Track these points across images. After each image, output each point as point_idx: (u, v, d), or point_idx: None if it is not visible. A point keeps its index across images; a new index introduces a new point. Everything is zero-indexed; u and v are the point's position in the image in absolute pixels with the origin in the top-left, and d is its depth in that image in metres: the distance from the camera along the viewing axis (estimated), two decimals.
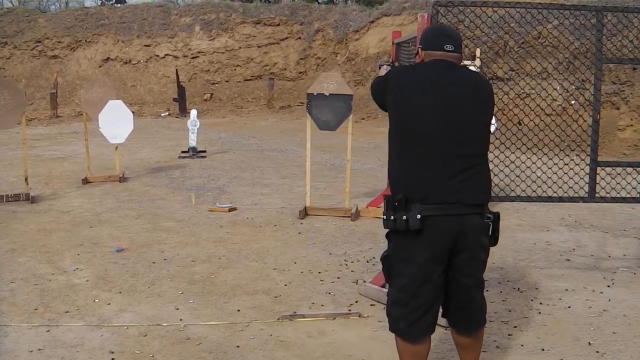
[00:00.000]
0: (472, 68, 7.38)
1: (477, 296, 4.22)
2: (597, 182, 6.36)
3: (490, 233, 4.14)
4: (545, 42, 16.16)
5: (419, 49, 4.34)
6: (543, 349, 5.33)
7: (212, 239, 8.21)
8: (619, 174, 6.63)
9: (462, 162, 4.03)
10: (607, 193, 6.57)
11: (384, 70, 4.97)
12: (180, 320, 5.75)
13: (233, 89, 27.04)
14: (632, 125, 15.68)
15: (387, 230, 4.12)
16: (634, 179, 6.61)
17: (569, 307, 6.26)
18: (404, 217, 3.94)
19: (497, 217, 4.19)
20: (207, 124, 21.07)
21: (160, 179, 12.13)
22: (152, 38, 28.18)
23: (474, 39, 16.94)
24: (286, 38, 28.17)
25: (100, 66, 27.71)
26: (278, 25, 28.32)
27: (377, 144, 15.97)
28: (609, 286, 6.79)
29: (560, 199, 6.50)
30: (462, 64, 4.30)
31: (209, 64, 27.75)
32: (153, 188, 11.36)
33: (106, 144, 12.32)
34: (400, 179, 4.09)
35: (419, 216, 3.92)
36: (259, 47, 28.02)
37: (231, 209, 9.64)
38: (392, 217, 3.98)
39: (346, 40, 27.05)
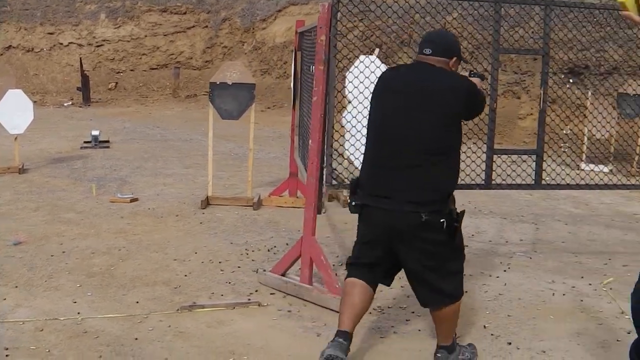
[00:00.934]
0: (369, 59, 7.45)
1: (430, 277, 4.54)
2: (494, 169, 6.49)
3: (444, 229, 4.39)
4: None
5: None
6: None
7: (113, 230, 8.10)
8: (514, 162, 6.78)
9: (403, 160, 4.37)
10: (503, 180, 6.70)
11: (477, 81, 5.02)
12: (78, 313, 5.65)
13: (138, 78, 26.66)
14: (532, 114, 15.99)
15: None
16: (529, 166, 6.76)
17: (466, 291, 6.35)
18: (352, 201, 4.58)
19: (457, 217, 4.48)
20: (111, 113, 20.77)
21: (62, 170, 11.89)
22: (56, 26, 27.58)
23: (378, 29, 17.08)
24: (193, 26, 27.89)
25: (1, 54, 27.02)
26: (185, 13, 28.01)
27: (282, 133, 15.95)
28: (505, 271, 6.96)
29: (459, 186, 6.59)
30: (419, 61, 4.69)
31: (114, 52, 27.30)
32: (53, 179, 11.14)
33: (5, 135, 12.01)
34: (362, 167, 4.65)
35: (353, 203, 4.54)
36: (165, 35, 27.68)
37: (133, 200, 9.53)
38: (348, 197, 4.74)
39: (253, 29, 26.92)
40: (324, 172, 6.09)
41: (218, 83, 9.36)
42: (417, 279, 4.62)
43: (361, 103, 7.13)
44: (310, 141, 5.99)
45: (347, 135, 7.26)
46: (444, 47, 4.62)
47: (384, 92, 4.64)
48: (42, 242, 7.65)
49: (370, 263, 4.70)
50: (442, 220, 4.37)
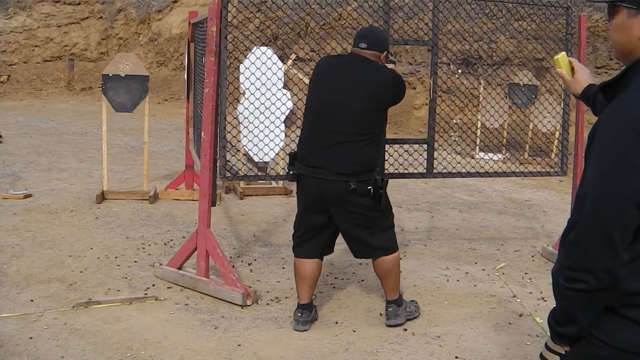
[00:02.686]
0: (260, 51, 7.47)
1: (362, 235, 5.32)
2: (386, 159, 6.59)
3: (371, 194, 5.13)
4: (345, 23, 16.50)
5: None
6: (337, 322, 5.55)
7: (5, 228, 7.91)
8: (406, 151, 6.90)
9: (335, 137, 5.08)
10: (396, 169, 6.82)
11: (392, 66, 5.63)
12: None
13: (32, 71, 26.07)
14: (427, 104, 16.13)
15: None
16: (421, 155, 6.89)
17: (363, 280, 6.50)
18: (289, 171, 5.28)
19: (381, 183, 5.20)
20: (3, 107, 20.22)
21: None
22: None
23: (275, 20, 17.11)
24: (87, 17, 27.41)
25: None
26: (79, 4, 27.50)
27: (179, 126, 15.81)
28: (401, 258, 7.03)
29: None
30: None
31: (6, 44, 26.63)
32: None
33: None
34: (299, 142, 5.30)
35: (291, 172, 5.25)
36: (58, 26, 27.14)
37: (26, 196, 9.32)
38: (287, 169, 5.31)
39: (149, 20, 26.61)
40: (218, 164, 6.09)
41: (111, 75, 9.23)
42: (350, 236, 5.37)
43: (253, 94, 7.15)
44: (202, 133, 5.98)
45: (241, 127, 7.26)
46: (377, 43, 5.31)
47: (322, 76, 5.28)
48: None
49: (313, 235, 5.40)
50: (369, 188, 5.10)
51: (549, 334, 2.43)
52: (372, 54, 5.24)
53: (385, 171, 6.63)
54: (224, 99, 6.11)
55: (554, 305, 2.39)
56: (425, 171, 6.88)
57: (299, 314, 5.40)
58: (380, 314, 5.67)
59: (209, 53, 5.91)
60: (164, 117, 17.55)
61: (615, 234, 2.17)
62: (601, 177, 2.20)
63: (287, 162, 5.37)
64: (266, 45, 8.38)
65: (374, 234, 5.34)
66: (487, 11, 7.59)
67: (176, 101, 20.81)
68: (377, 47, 5.27)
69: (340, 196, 5.10)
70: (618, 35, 2.39)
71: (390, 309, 5.49)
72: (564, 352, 2.38)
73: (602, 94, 2.48)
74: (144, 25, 26.67)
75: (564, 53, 2.95)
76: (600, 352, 2.31)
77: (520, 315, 5.84)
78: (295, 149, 5.37)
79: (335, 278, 6.53)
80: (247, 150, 7.51)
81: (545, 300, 6.09)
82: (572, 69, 2.93)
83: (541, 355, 2.45)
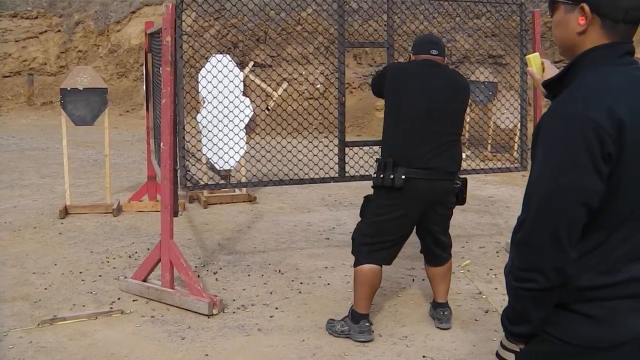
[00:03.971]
0: (216, 59, 7.46)
1: (443, 239, 5.54)
2: (346, 162, 6.60)
3: (457, 194, 5.37)
4: (303, 28, 16.52)
5: (410, 54, 5.51)
6: (303, 328, 5.54)
7: None
8: (366, 153, 6.92)
9: (442, 137, 5.19)
10: (357, 172, 6.82)
11: None
12: None
13: None
14: None
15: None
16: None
17: (329, 284, 6.51)
18: (391, 176, 5.09)
19: (464, 182, 5.43)
20: None
21: None
22: None
23: (234, 28, 17.11)
24: (45, 31, 27.22)
25: None
26: (36, 17, 27.31)
27: (141, 137, 15.66)
28: None
29: (312, 180, 6.71)
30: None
31: None
32: None
33: None
34: (393, 148, 5.25)
35: (394, 177, 5.08)
36: (16, 41, 26.92)
37: None
38: (381, 176, 5.14)
39: (107, 31, 26.47)
40: (178, 174, 6.07)
41: (69, 89, 9.18)
42: (434, 240, 5.53)
43: (210, 103, 7.15)
44: (162, 144, 5.96)
45: (201, 136, 7.24)
46: (443, 50, 5.46)
47: (410, 82, 5.28)
48: None
49: (397, 243, 5.37)
50: (459, 185, 5.38)
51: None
52: (442, 60, 5.40)
53: (346, 174, 6.66)
54: (181, 109, 6.09)
55: (506, 305, 2.42)
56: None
57: (368, 324, 5.37)
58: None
59: (164, 63, 5.89)
60: (126, 128, 17.48)
61: (563, 232, 2.19)
62: (548, 174, 2.22)
63: (378, 168, 5.24)
64: (223, 53, 8.36)
65: (447, 235, 5.61)
66: (442, 11, 7.60)
67: (138, 112, 20.71)
68: (444, 54, 5.43)
69: (447, 195, 5.30)
70: (558, 31, 2.42)
71: (446, 312, 5.62)
72: (518, 350, 2.40)
73: (546, 91, 2.50)
74: (103, 37, 26.54)
75: (537, 53, 3.01)
76: (554, 348, 2.33)
77: (487, 312, 5.88)
78: (383, 156, 5.33)
79: (301, 283, 6.53)
80: (208, 158, 7.49)
81: None
82: (543, 69, 2.97)
83: (497, 354, 2.47)
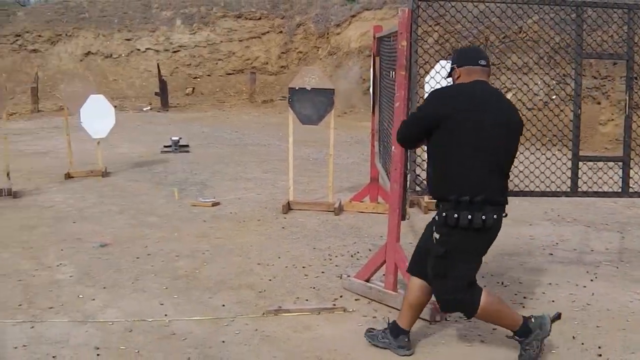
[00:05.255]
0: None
1: None
2: (579, 176, 6.39)
3: None
4: (526, 36, 16.18)
5: (454, 67, 4.98)
6: None
7: (196, 234, 8.21)
8: (600, 169, 6.67)
9: (502, 169, 4.79)
10: (589, 187, 6.58)
11: None
12: (165, 315, 5.75)
13: (215, 83, 26.95)
14: (613, 119, 15.71)
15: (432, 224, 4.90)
16: (616, 173, 6.63)
17: (553, 301, 6.30)
18: (482, 217, 4.60)
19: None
20: (189, 118, 21.03)
21: (143, 174, 12.10)
22: (133, 32, 28.05)
23: (454, 34, 16.98)
24: (267, 32, 28.10)
25: (81, 60, 27.53)
26: (259, 19, 28.25)
27: (360, 139, 15.99)
28: (592, 280, 6.83)
29: (543, 194, 6.51)
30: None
31: (191, 58, 27.65)
32: (135, 183, 11.33)
33: (87, 139, 12.23)
34: (462, 183, 4.65)
35: (495, 216, 4.65)
36: (240, 41, 27.95)
37: (214, 204, 9.64)
38: (455, 215, 4.60)
39: (327, 34, 27.00)
40: (408, 178, 6.05)
41: (297, 88, 9.41)
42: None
43: None
44: (392, 147, 5.96)
45: None
46: (489, 61, 4.97)
47: (471, 107, 4.72)
48: (127, 244, 7.79)
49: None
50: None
51: None
52: (489, 72, 4.95)
53: (579, 189, 6.44)
54: None
55: None
56: (620, 190, 6.60)
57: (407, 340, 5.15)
58: (573, 337, 5.45)
59: (399, 67, 5.88)
60: (343, 129, 17.72)
61: None
62: None
63: (457, 207, 4.63)
64: (447, 59, 8.29)
65: None
66: None
67: (355, 114, 21.02)
68: (489, 65, 4.95)
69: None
70: None
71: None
72: None
73: None
74: (323, 39, 27.07)
75: None
76: None
77: None
78: (453, 192, 4.67)
79: (524, 297, 6.35)
80: None
81: None
82: None
83: None
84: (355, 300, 6.15)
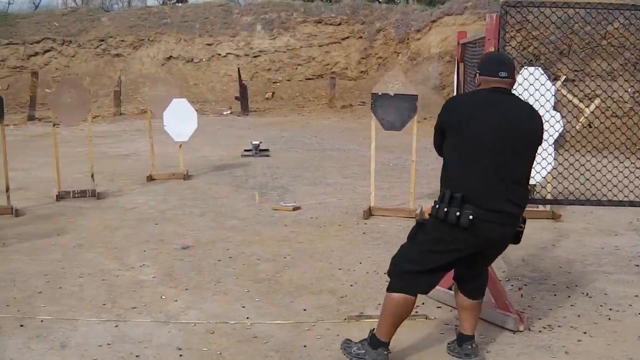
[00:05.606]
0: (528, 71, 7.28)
1: (485, 274, 5.21)
2: None
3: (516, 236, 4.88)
4: (611, 42, 15.89)
5: (477, 73, 4.95)
6: (613, 357, 5.24)
7: (277, 238, 8.22)
8: None
9: (514, 178, 4.70)
10: None
11: None
12: (247, 318, 5.77)
13: (294, 88, 27.09)
14: None
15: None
16: None
17: (639, 314, 6.14)
18: (457, 213, 4.58)
19: (525, 223, 4.90)
20: (268, 122, 21.16)
21: (224, 177, 12.19)
22: (214, 37, 28.38)
23: (538, 39, 16.74)
24: (347, 37, 28.15)
25: (162, 64, 27.97)
26: (339, 24, 28.32)
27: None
28: None
29: (632, 204, 6.34)
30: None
31: (270, 62, 27.86)
32: (216, 186, 11.42)
33: (169, 142, 12.41)
34: (461, 180, 4.68)
35: (471, 217, 4.57)
36: (320, 46, 28.05)
37: (295, 208, 9.65)
38: (445, 209, 4.61)
39: (407, 39, 26.92)
40: None
41: (380, 94, 9.37)
42: (481, 275, 5.17)
43: None
44: None
45: None
46: (513, 70, 4.87)
47: (482, 114, 4.73)
48: (209, 247, 7.85)
49: (437, 272, 4.97)
50: (520, 230, 4.88)
51: None
52: (510, 83, 4.84)
53: None
54: None
55: None
56: None
57: (386, 353, 4.97)
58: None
59: None
60: (423, 135, 17.57)
61: None
62: None
63: (442, 200, 4.68)
64: (532, 65, 8.17)
65: (487, 271, 5.33)
66: None
67: (432, 120, 20.85)
68: (513, 75, 4.86)
69: (508, 240, 4.87)
70: None
71: (473, 345, 5.14)
72: None
73: None
74: (403, 44, 27.02)
75: None
76: None
77: None
78: (448, 187, 4.72)
79: (610, 309, 6.18)
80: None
81: None
82: None
83: None
84: (437, 307, 6.08)
